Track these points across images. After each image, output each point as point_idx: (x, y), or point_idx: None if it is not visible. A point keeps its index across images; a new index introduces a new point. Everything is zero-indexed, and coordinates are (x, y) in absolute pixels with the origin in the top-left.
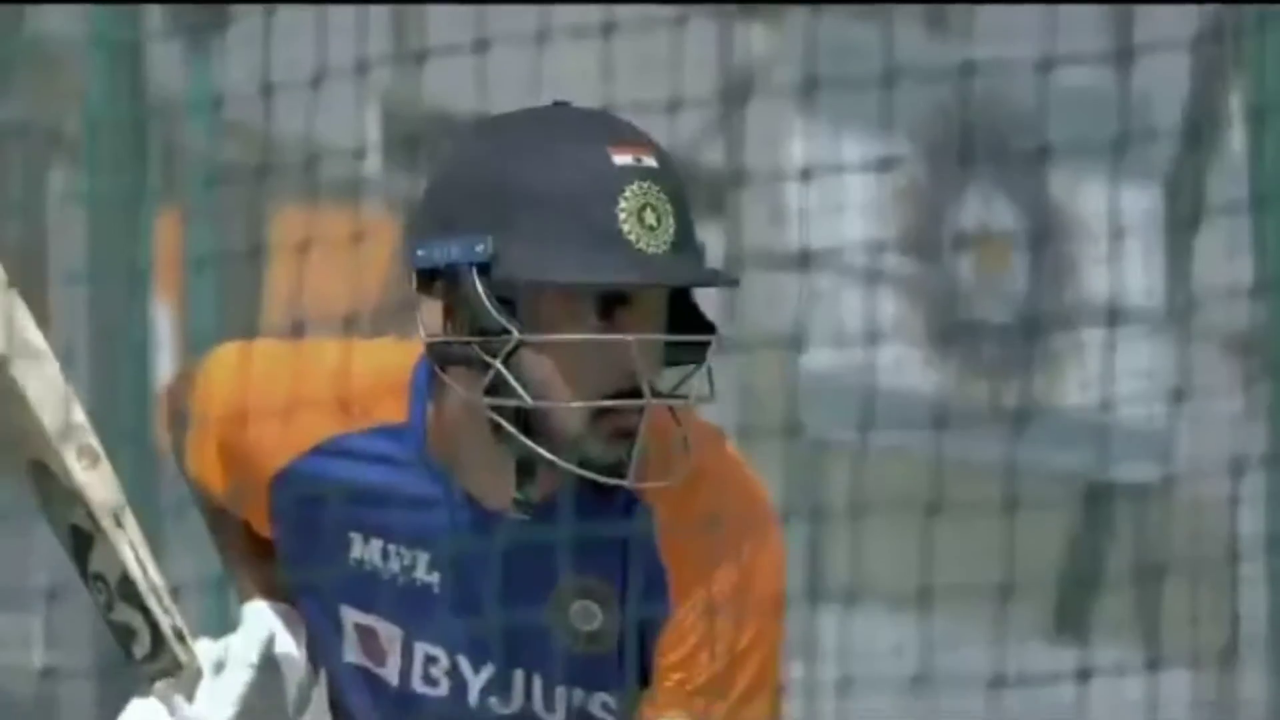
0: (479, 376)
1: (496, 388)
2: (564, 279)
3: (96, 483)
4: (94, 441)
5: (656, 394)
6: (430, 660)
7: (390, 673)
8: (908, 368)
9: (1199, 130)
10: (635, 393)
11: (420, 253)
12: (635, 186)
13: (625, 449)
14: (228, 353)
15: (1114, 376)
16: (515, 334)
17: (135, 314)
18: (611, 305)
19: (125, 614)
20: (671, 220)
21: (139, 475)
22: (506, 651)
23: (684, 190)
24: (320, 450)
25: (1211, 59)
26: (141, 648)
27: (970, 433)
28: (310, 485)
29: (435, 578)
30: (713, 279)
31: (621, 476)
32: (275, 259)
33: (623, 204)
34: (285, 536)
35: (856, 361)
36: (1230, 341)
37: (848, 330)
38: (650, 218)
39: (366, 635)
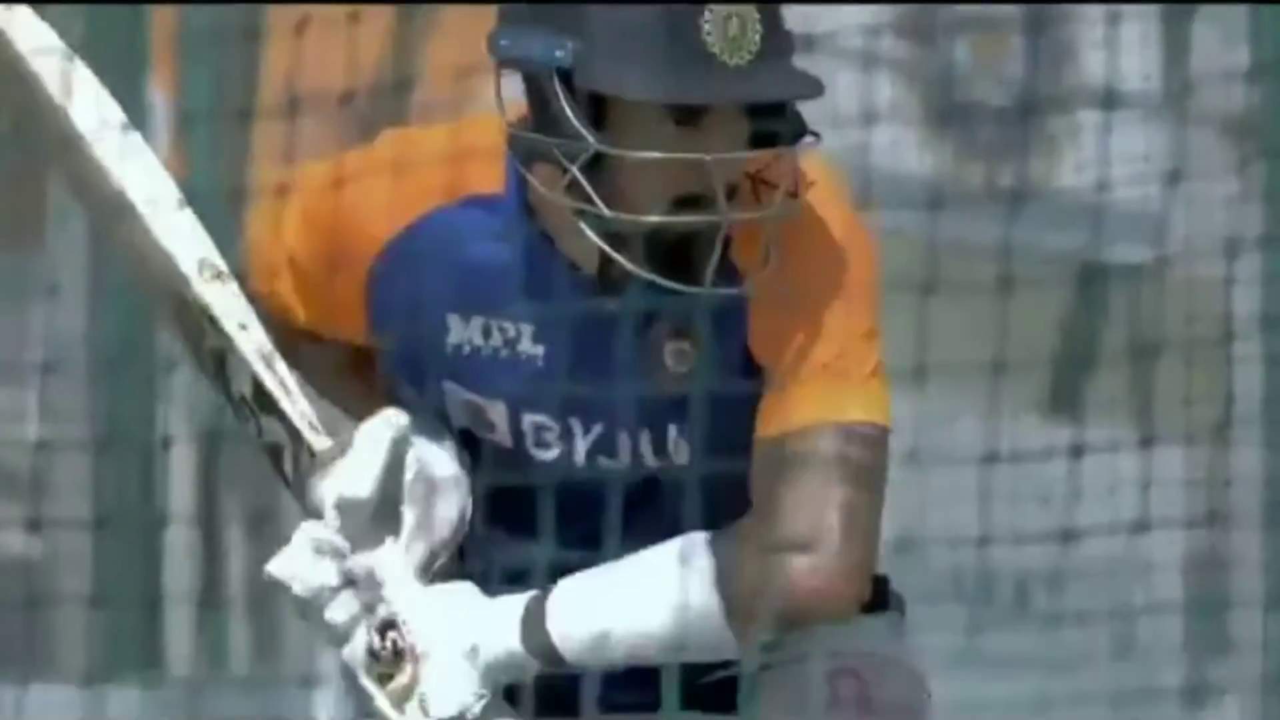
0: (558, 175)
1: (575, 186)
2: (640, 94)
3: (221, 295)
4: (219, 261)
5: (733, 193)
6: (540, 428)
7: (502, 438)
8: (904, 149)
9: None
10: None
11: (504, 42)
12: None
13: (703, 255)
14: (315, 163)
15: (1109, 159)
16: (591, 143)
17: (132, 97)
18: (691, 113)
19: (270, 430)
20: (758, 29)
21: None
22: (612, 411)
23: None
24: (416, 228)
25: None
26: (289, 461)
27: (966, 214)
28: (408, 265)
29: (540, 349)
30: (788, 91)
31: (698, 284)
32: (272, 40)
33: (708, 14)
34: (384, 329)
35: (852, 143)
36: (1226, 124)
37: (843, 112)
38: (734, 27)
39: (474, 411)
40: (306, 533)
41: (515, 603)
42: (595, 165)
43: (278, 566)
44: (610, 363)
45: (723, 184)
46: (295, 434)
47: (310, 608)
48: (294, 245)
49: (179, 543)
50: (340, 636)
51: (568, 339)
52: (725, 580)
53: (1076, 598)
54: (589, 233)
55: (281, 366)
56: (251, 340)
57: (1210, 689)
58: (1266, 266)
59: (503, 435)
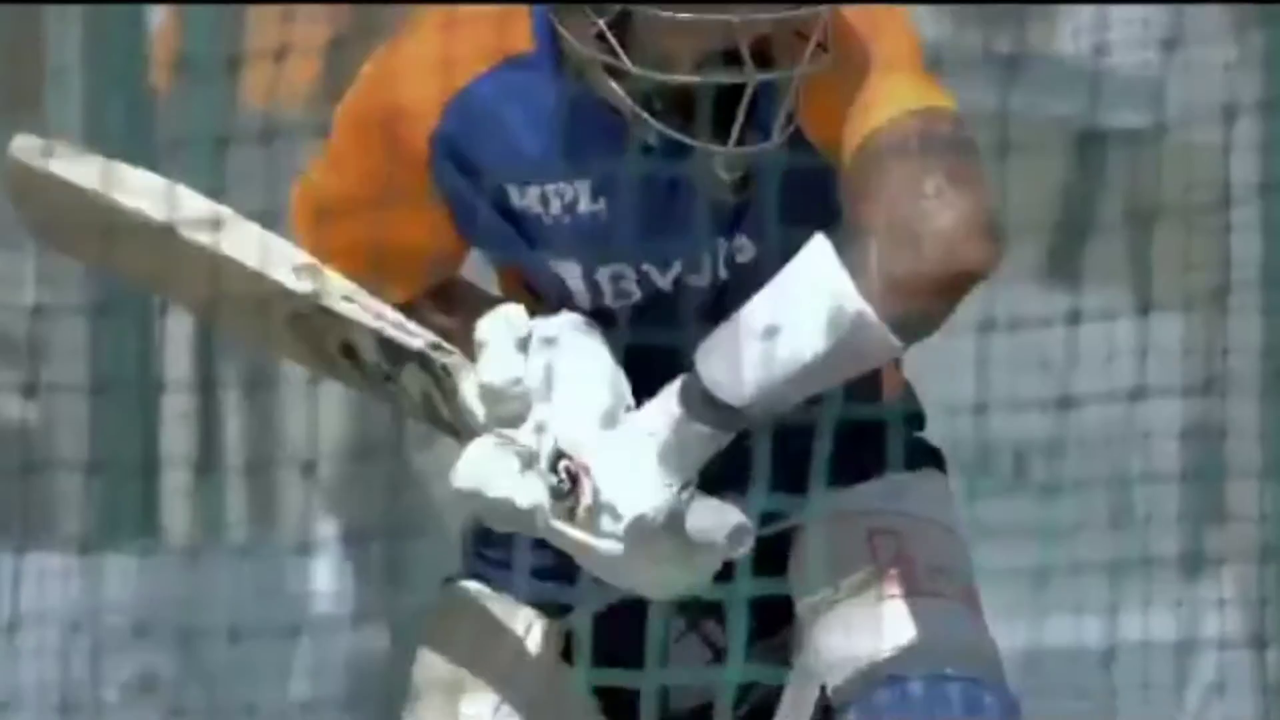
0: (588, 27)
1: (604, 41)
2: None
3: (319, 283)
4: (299, 253)
5: (767, 46)
6: (617, 278)
7: (581, 301)
8: None
9: None
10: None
11: None
12: None
13: (731, 112)
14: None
15: (1107, 24)
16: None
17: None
18: None
19: (412, 381)
20: None
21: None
22: (678, 244)
23: None
24: (460, 101)
25: None
26: (442, 404)
27: (963, 79)
28: (460, 141)
29: (601, 203)
30: None
31: (724, 141)
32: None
33: None
34: (461, 218)
35: None
36: None
37: None
38: None
39: (552, 280)
40: (477, 444)
41: (667, 389)
42: (623, 21)
43: (463, 479)
44: (669, 199)
45: (749, 42)
46: (428, 363)
47: (501, 508)
48: (352, 163)
49: (176, 408)
50: (530, 522)
51: (624, 189)
52: (862, 273)
53: (1074, 467)
54: (617, 89)
55: (393, 313)
56: (360, 306)
57: (1207, 558)
58: (1265, 132)
59: (582, 299)
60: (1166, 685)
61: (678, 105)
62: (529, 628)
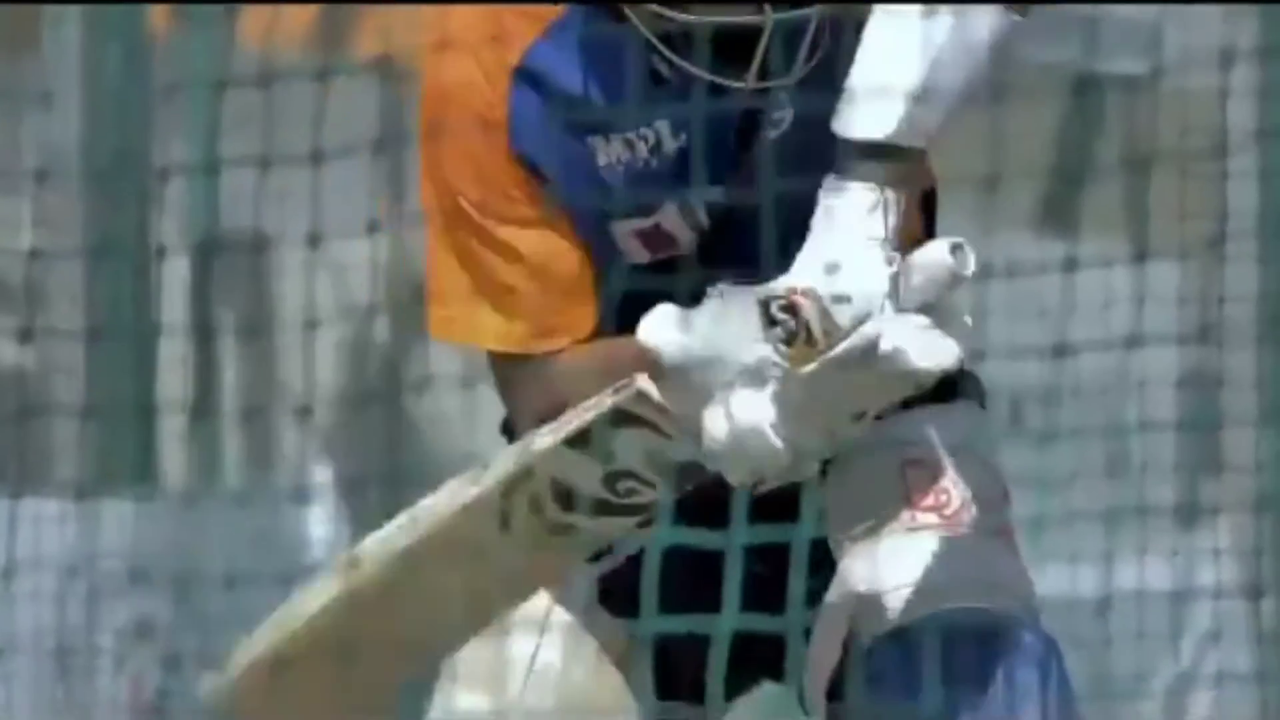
0: None
1: None
2: None
3: (506, 460)
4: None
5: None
6: (699, 209)
7: (687, 245)
8: None
9: None
10: None
11: None
12: None
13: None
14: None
15: None
16: None
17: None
18: None
19: (630, 446)
20: None
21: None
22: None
23: None
24: (522, 72)
25: None
26: (661, 449)
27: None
28: (534, 110)
29: (683, 137)
30: None
31: (743, 79)
32: None
33: None
34: (553, 189)
35: None
36: None
37: None
38: None
39: (648, 237)
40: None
41: (825, 192)
42: None
43: (711, 425)
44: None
45: None
46: (623, 415)
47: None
48: (459, 173)
49: (172, 354)
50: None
51: (699, 122)
52: None
53: (1070, 415)
54: (638, 24)
55: (566, 414)
56: (537, 439)
57: (1202, 507)
58: (1262, 78)
59: (687, 242)
60: (1161, 635)
61: (698, 45)
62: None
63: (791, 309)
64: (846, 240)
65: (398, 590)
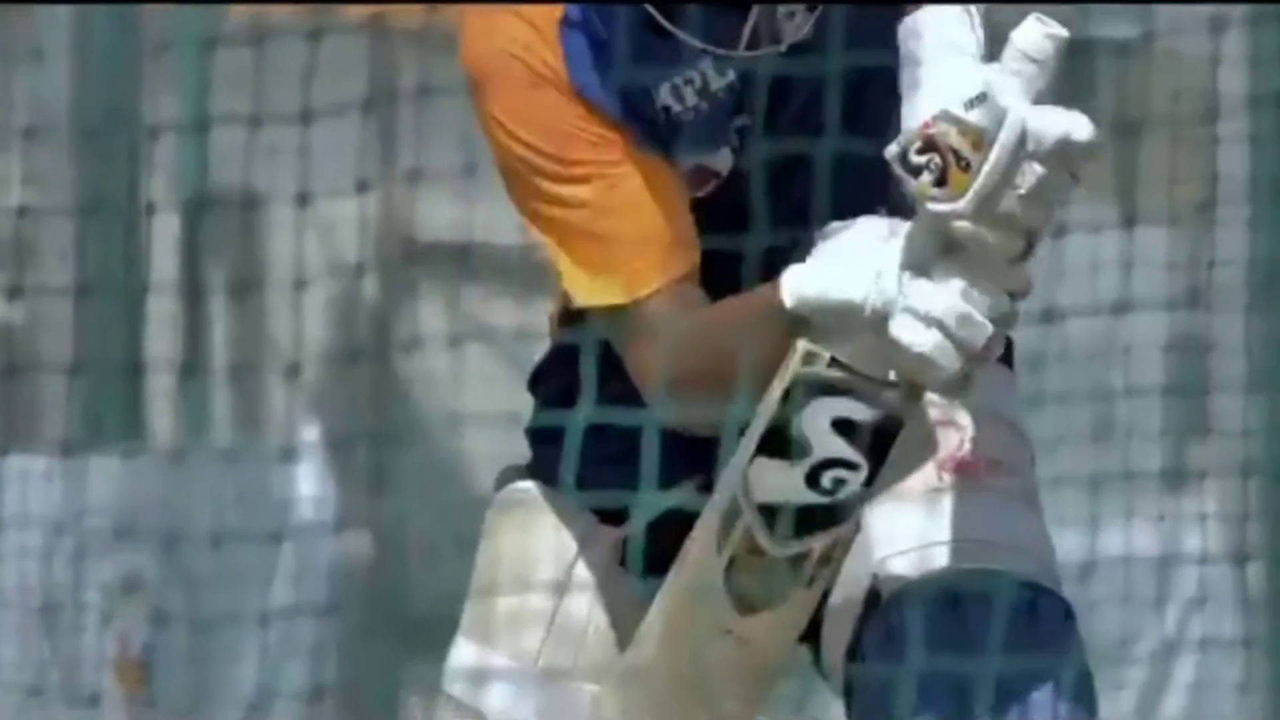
0: None
1: None
2: None
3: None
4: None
5: None
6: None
7: (723, 165)
8: None
9: None
10: None
11: None
12: None
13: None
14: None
15: None
16: None
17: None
18: None
19: (814, 420)
20: None
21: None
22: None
23: None
24: (566, 27)
25: None
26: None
27: None
28: (586, 61)
29: (730, 74)
30: None
31: (734, 46)
32: None
33: None
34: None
35: None
36: None
37: None
38: None
39: (694, 175)
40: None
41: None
42: None
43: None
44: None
45: None
46: (802, 381)
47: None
48: (529, 129)
49: (161, 311)
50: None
51: (746, 52)
52: None
53: (1056, 379)
54: None
55: (737, 457)
56: (733, 462)
57: (1189, 473)
58: (1252, 44)
59: (725, 162)
60: (1147, 600)
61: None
62: (587, 533)
63: (929, 144)
64: (943, 58)
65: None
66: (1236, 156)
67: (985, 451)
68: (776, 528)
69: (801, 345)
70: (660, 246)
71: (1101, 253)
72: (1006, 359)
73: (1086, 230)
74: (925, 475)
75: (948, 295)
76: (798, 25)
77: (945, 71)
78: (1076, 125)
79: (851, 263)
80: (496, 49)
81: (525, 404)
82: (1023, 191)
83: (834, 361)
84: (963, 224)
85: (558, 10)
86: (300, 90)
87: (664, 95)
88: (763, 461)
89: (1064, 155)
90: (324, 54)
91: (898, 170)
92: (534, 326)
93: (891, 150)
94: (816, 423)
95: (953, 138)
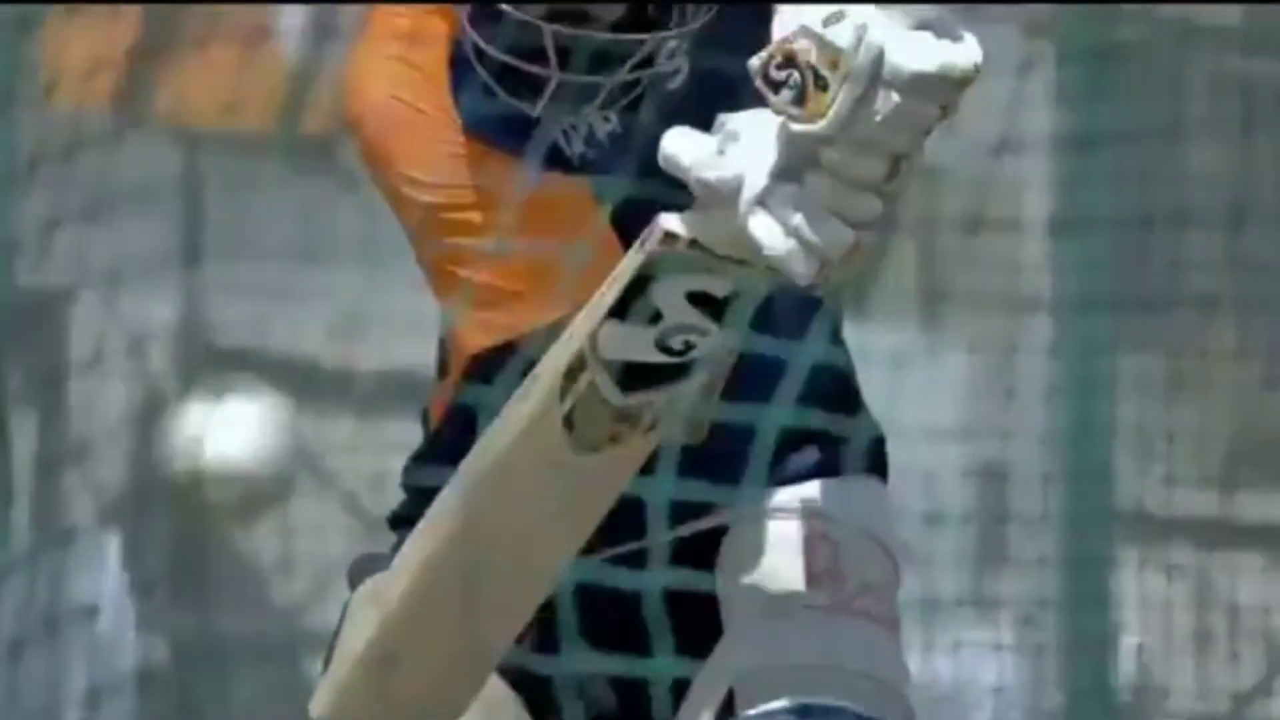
0: None
1: None
2: None
3: (553, 363)
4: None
5: None
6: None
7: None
8: None
9: None
10: None
11: None
12: None
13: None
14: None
15: None
16: None
17: None
18: None
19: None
20: None
21: None
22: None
23: None
24: (457, 69)
25: None
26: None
27: None
28: (484, 102)
29: (613, 120)
30: None
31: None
32: None
33: None
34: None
35: None
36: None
37: None
38: None
39: None
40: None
41: None
42: None
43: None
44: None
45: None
46: (653, 266)
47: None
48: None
49: None
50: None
51: (618, 95)
52: None
53: None
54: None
55: (597, 292)
56: (583, 322)
57: (987, 601)
58: (1055, 169)
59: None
60: None
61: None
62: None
63: (789, 59)
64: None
65: (486, 536)
66: (1039, 281)
67: (856, 570)
68: (621, 380)
69: (661, 224)
70: (584, 267)
71: (905, 377)
72: (881, 471)
73: (890, 355)
74: (793, 591)
75: (808, 203)
76: (676, 67)
77: None
78: (946, 59)
79: (731, 150)
80: (385, 98)
81: (319, 508)
82: (880, 119)
83: (693, 243)
84: (821, 146)
85: (443, 52)
86: (107, 190)
87: (556, 136)
88: (613, 324)
89: (927, 88)
90: (129, 155)
91: (759, 84)
92: (331, 433)
93: (753, 64)
94: (671, 293)
95: (812, 55)
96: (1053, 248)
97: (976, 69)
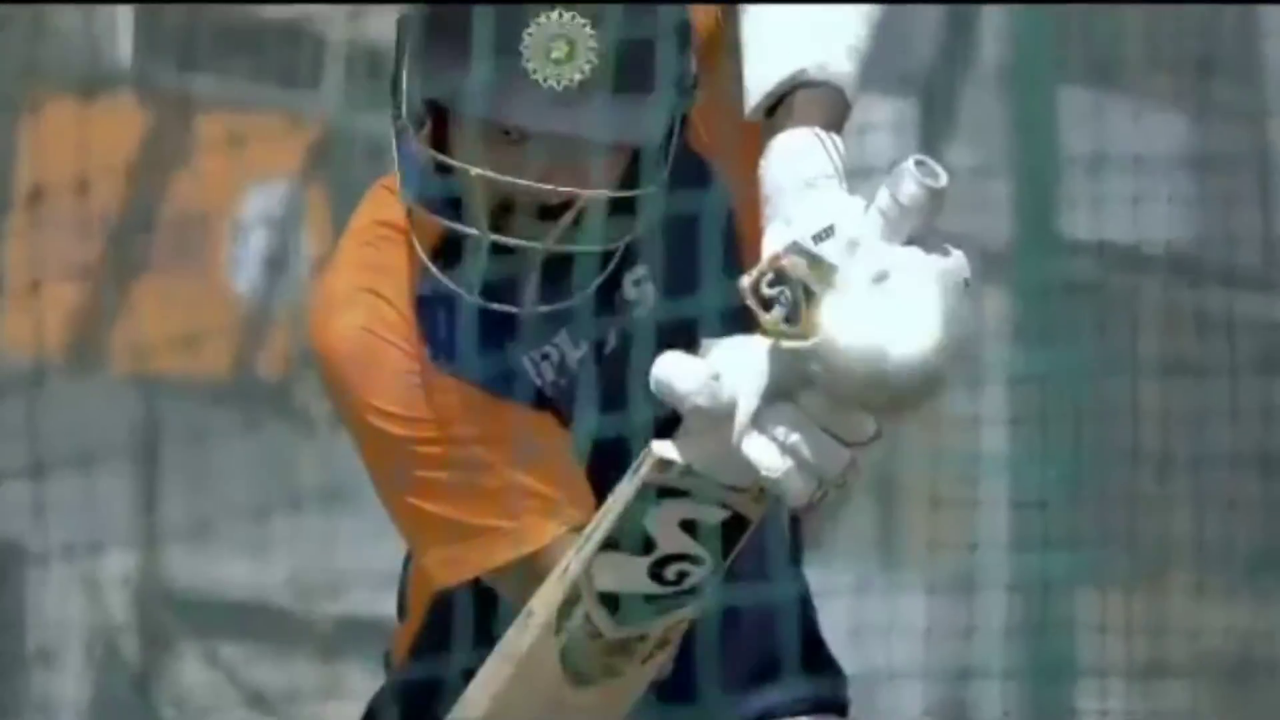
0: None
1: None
2: (444, 99)
3: (552, 590)
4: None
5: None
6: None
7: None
8: None
9: None
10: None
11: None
12: (554, 15)
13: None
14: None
15: None
16: (405, 128)
17: None
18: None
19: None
20: (592, 55)
21: None
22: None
23: (634, 24)
24: (423, 304)
25: None
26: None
27: None
28: (449, 350)
29: (583, 346)
30: (597, 132)
31: (518, 303)
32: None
33: (532, 28)
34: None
35: None
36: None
37: None
38: (560, 49)
39: None
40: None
41: (774, 162)
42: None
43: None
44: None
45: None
46: (647, 494)
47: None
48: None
49: None
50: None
51: (589, 323)
52: None
53: None
54: (417, 244)
55: (590, 524)
56: (576, 555)
57: None
58: (1012, 405)
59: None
60: None
61: (488, 263)
62: None
63: (780, 276)
64: (795, 187)
65: None
66: (996, 521)
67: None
68: (616, 613)
69: (655, 451)
70: (551, 499)
71: (863, 616)
72: (842, 710)
73: (850, 593)
74: None
75: (804, 422)
76: (643, 293)
77: (795, 198)
78: (946, 273)
79: (725, 369)
80: (356, 329)
81: None
82: None
83: (687, 469)
84: (813, 364)
85: (410, 283)
86: (66, 441)
87: (526, 368)
88: (607, 554)
89: (925, 308)
90: (87, 406)
91: (750, 302)
92: (292, 680)
93: (744, 282)
94: (665, 522)
95: (802, 270)
96: (1011, 483)
97: (967, 282)
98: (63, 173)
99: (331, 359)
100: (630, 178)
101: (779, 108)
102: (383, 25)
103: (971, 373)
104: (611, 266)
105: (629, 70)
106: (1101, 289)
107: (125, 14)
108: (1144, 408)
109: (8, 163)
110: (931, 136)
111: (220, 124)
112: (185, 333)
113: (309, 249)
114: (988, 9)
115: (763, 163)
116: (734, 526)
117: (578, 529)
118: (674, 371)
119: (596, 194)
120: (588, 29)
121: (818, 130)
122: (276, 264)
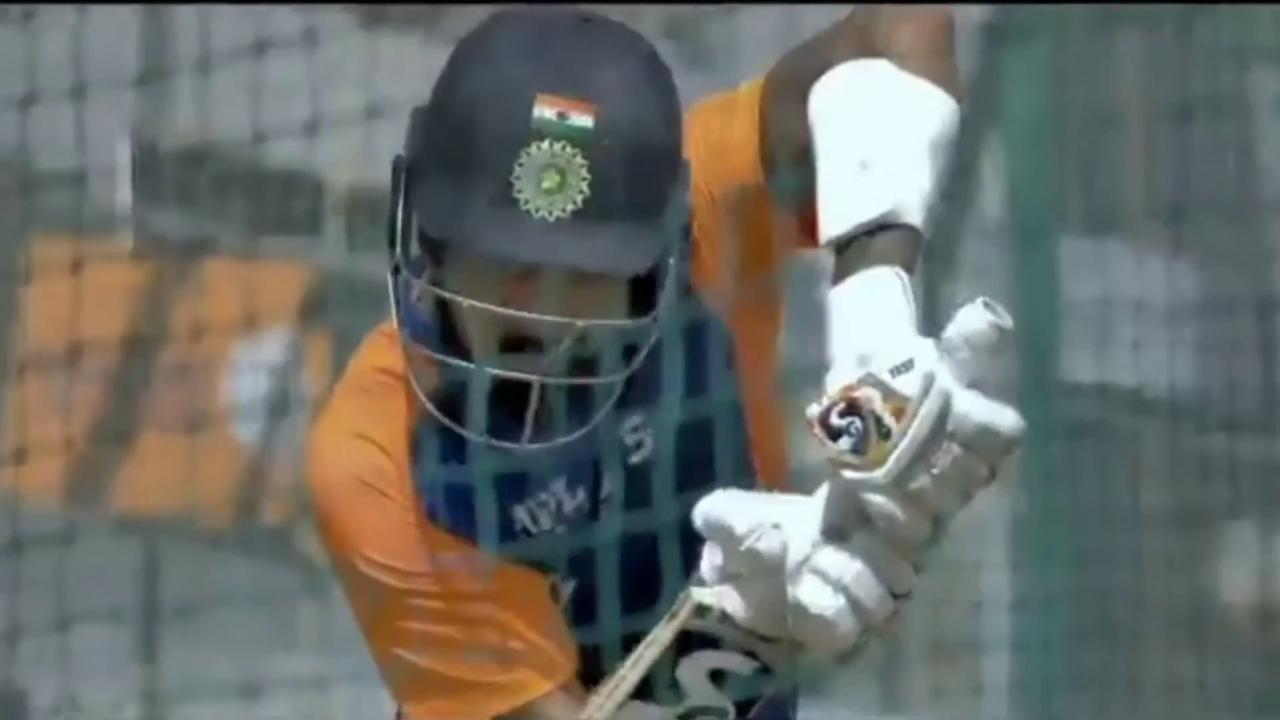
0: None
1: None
2: (437, 233)
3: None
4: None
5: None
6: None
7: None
8: None
9: None
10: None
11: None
12: (544, 145)
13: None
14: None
15: None
16: (401, 270)
17: None
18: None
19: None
20: (583, 185)
21: None
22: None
23: (626, 154)
24: (417, 449)
25: None
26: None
27: None
28: (447, 498)
29: (580, 494)
30: (596, 262)
31: (516, 438)
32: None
33: (523, 158)
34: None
35: None
36: None
37: None
38: (552, 179)
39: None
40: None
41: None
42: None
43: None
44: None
45: (550, 335)
46: (681, 642)
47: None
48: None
49: None
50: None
51: (588, 470)
52: (889, 50)
53: None
54: (416, 387)
55: (619, 670)
56: (603, 702)
57: None
58: (1014, 550)
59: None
60: None
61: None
62: None
63: (852, 406)
64: (875, 322)
65: None
66: (998, 666)
67: None
68: None
69: (694, 596)
70: (537, 653)
71: None
72: None
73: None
74: None
75: (858, 562)
76: (640, 441)
77: (874, 334)
78: (1002, 417)
79: (750, 505)
80: (348, 477)
81: None
82: (936, 471)
83: (724, 616)
84: (875, 496)
85: (406, 429)
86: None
87: (520, 516)
88: (635, 704)
89: (984, 443)
90: (84, 552)
91: (816, 432)
92: None
93: (813, 410)
94: (695, 671)
95: (876, 403)
96: (1014, 625)
97: (1021, 434)
98: (60, 326)
99: (323, 506)
100: (631, 307)
101: (853, 242)
102: (382, 171)
103: (974, 518)
104: (608, 406)
105: (622, 200)
106: (1103, 432)
107: (124, 159)
108: (1147, 551)
109: (8, 321)
110: (933, 280)
111: (221, 269)
112: (187, 480)
113: (309, 394)
114: (987, 158)
115: (835, 292)
116: (764, 680)
117: (566, 683)
118: (729, 510)
119: (598, 323)
120: (578, 159)
121: (899, 270)
122: (277, 409)
